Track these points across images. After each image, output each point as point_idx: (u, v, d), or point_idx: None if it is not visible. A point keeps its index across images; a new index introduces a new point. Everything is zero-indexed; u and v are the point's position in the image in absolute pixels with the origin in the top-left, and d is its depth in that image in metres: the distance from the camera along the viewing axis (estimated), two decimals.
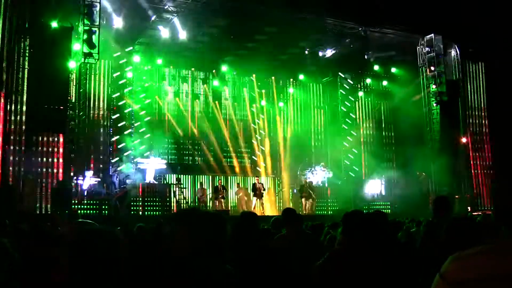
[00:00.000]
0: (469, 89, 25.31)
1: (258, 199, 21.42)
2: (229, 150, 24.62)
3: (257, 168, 25.25)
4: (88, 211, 17.25)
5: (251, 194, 21.76)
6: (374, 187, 24.86)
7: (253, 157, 25.40)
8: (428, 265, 4.19)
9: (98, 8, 17.39)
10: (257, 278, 3.54)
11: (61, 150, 18.17)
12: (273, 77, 25.82)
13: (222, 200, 20.96)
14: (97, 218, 14.90)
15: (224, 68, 24.29)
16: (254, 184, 21.83)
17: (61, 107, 16.86)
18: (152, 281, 2.70)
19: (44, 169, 17.80)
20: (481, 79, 25.62)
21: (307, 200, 21.77)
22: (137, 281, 2.78)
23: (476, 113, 25.33)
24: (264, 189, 21.84)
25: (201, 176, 23.22)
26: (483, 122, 25.38)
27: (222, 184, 21.83)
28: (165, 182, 21.29)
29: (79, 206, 17.13)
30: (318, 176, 23.99)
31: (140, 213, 18.70)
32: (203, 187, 22.21)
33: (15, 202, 15.81)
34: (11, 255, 2.75)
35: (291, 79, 26.51)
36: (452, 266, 1.76)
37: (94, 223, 3.88)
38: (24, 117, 16.81)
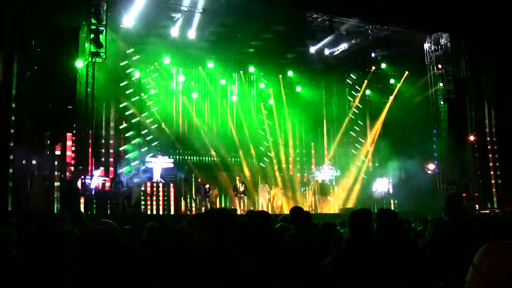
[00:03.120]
0: (476, 86, 25.18)
1: (239, 199, 20.95)
2: (237, 149, 24.58)
3: (264, 166, 25.23)
4: (96, 211, 17.29)
5: (234, 193, 21.24)
6: (382, 186, 24.81)
7: (260, 155, 25.37)
8: (438, 262, 4.17)
9: (105, 8, 17.45)
10: (268, 275, 3.53)
11: (68, 149, 18.22)
12: (280, 76, 25.77)
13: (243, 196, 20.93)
14: (104, 218, 14.94)
15: (231, 66, 24.26)
16: (235, 185, 21.22)
17: (69, 107, 16.87)
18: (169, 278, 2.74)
19: (51, 169, 17.84)
20: (488, 76, 25.47)
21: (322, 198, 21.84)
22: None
23: (484, 110, 25.20)
24: (246, 188, 21.29)
25: (208, 174, 23.21)
26: (491, 119, 25.24)
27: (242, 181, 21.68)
28: (172, 181, 21.29)
29: (87, 205, 17.16)
30: (325, 174, 23.94)
31: (148, 212, 18.74)
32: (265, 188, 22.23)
33: (22, 201, 15.88)
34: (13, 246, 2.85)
35: (298, 78, 26.44)
36: (484, 257, 1.80)
37: (114, 223, 3.89)
38: (31, 117, 16.87)
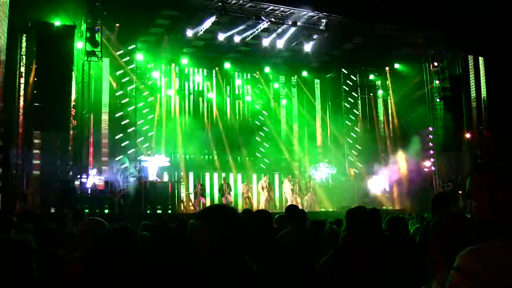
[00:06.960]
0: (472, 84, 25.20)
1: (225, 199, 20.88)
2: (233, 147, 24.54)
3: (261, 165, 25.24)
4: (92, 210, 17.24)
5: (220, 193, 21.30)
6: (378, 183, 24.81)
7: (256, 154, 25.36)
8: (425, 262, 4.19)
9: (100, 7, 17.41)
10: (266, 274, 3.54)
11: (64, 148, 18.17)
12: (277, 74, 25.78)
13: (229, 196, 20.94)
14: (100, 217, 14.90)
15: (227, 65, 24.26)
16: (221, 185, 21.36)
17: (65, 106, 16.82)
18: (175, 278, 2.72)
19: (48, 168, 17.79)
20: (484, 73, 25.49)
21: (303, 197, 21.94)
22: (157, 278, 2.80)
23: (480, 108, 25.22)
24: (230, 189, 21.43)
25: (204, 173, 23.21)
26: (487, 116, 25.25)
27: (227, 182, 21.74)
28: (168, 180, 21.24)
29: (84, 205, 17.11)
30: (322, 172, 23.95)
31: (146, 211, 18.71)
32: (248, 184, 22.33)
33: (18, 201, 15.85)
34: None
35: (295, 76, 26.46)
36: (464, 259, 1.81)
37: (104, 221, 3.86)
38: (27, 116, 16.83)
